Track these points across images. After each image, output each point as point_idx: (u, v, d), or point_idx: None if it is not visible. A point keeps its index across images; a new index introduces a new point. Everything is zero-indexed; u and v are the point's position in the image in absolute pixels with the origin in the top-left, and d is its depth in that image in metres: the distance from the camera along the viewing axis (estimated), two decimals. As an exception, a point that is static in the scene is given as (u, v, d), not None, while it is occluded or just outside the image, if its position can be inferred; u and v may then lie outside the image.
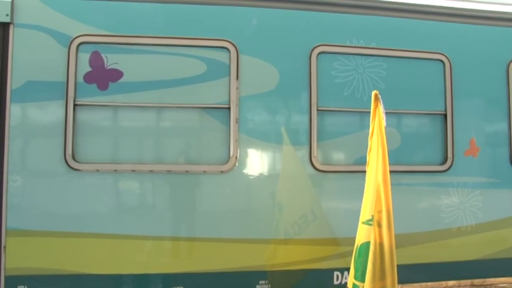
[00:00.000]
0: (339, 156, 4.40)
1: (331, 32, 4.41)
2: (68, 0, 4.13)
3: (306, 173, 4.27)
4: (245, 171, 4.26)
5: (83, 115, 4.11)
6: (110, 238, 4.10)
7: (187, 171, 4.18)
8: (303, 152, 4.28)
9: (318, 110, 4.31)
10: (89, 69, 4.14)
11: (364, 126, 4.33)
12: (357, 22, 4.47)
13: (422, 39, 4.57)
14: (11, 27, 4.07)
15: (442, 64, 4.58)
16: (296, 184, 4.29)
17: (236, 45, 4.25)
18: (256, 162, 4.27)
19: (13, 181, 4.01)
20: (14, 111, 4.04)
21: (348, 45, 4.40)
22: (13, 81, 4.05)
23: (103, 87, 4.15)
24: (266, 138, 4.27)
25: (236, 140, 4.22)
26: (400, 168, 4.39)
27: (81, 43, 4.12)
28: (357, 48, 4.42)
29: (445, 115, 4.54)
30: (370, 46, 4.44)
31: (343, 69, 4.41)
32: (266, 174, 4.28)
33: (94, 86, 4.14)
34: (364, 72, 4.44)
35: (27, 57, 4.07)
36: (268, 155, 4.28)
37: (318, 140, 4.28)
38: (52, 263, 4.02)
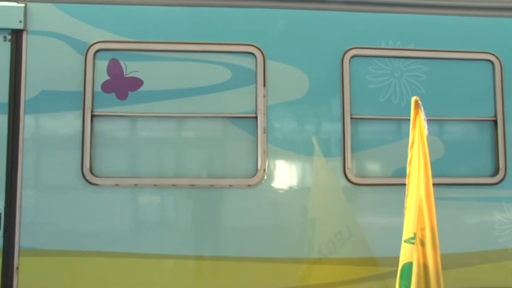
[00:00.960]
0: (375, 168, 4.13)
1: (365, 33, 4.16)
2: (84, 5, 3.98)
3: (339, 186, 4.01)
4: (274, 184, 4.01)
5: (101, 126, 3.93)
6: (130, 257, 3.89)
7: (212, 185, 3.95)
8: (336, 164, 4.02)
9: (351, 118, 4.05)
10: (107, 77, 3.96)
11: (403, 135, 4.05)
12: (393, 22, 4.21)
13: (468, 38, 4.26)
14: (25, 34, 3.92)
15: (491, 64, 4.26)
16: (329, 198, 4.03)
17: (263, 50, 4.02)
18: (286, 175, 4.02)
19: (27, 197, 3.84)
20: (28, 122, 3.88)
21: (383, 47, 4.14)
22: (27, 91, 3.90)
23: (122, 96, 3.96)
24: (296, 149, 4.03)
25: (264, 152, 3.98)
26: (444, 181, 4.07)
27: (98, 50, 3.95)
28: (394, 51, 4.15)
29: (495, 121, 4.22)
30: (408, 48, 4.17)
31: (379, 74, 4.14)
32: (296, 187, 4.03)
33: (112, 95, 3.96)
34: (401, 76, 4.16)
35: (41, 66, 3.92)
36: (299, 167, 4.04)
37: (352, 150, 4.02)
38: (69, 284, 3.84)
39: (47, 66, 3.92)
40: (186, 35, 4.04)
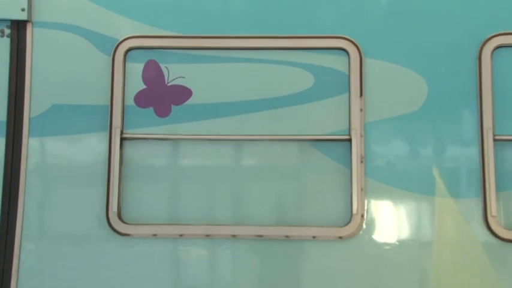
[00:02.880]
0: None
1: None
2: (111, -12, 3.09)
3: (477, 241, 2.84)
4: (376, 236, 2.90)
5: (134, 153, 2.94)
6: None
7: (287, 236, 2.88)
8: (472, 208, 2.84)
9: (494, 139, 2.86)
10: (143, 86, 2.97)
11: None
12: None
13: None
14: (29, 27, 2.97)
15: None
16: (462, 259, 2.86)
17: (358, 45, 2.96)
18: (394, 223, 2.90)
19: (28, 253, 2.86)
20: (33, 148, 2.93)
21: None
22: (33, 105, 2.95)
23: (163, 112, 2.96)
24: (408, 186, 2.90)
25: (361, 189, 2.91)
26: None
27: (130, 49, 2.96)
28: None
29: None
30: None
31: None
32: (411, 242, 2.90)
33: (150, 110, 2.96)
34: None
35: (52, 71, 2.97)
36: (412, 212, 2.90)
37: (498, 189, 2.83)
38: None
39: (60, 71, 2.97)
40: (250, 28, 3.00)
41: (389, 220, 2.93)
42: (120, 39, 2.98)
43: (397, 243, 2.91)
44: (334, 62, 2.98)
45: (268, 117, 2.96)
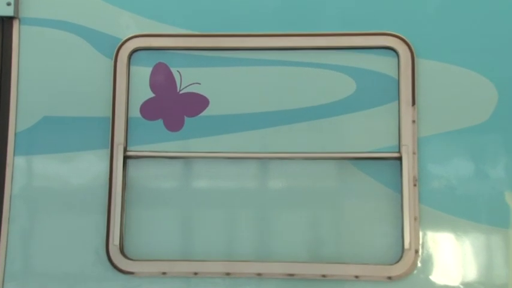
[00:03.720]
0: None
1: None
2: (112, -21, 2.67)
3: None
4: (434, 277, 2.37)
5: (140, 175, 2.48)
6: None
7: (324, 275, 2.38)
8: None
9: None
10: (150, 94, 2.52)
11: None
12: None
13: None
14: (16, 24, 2.54)
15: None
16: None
17: (410, 44, 2.48)
18: (455, 261, 2.38)
19: None
20: (19, 169, 2.50)
21: None
22: (19, 118, 2.51)
23: (174, 125, 2.50)
24: (473, 215, 2.37)
25: (415, 219, 2.41)
26: None
27: (136, 50, 2.52)
28: None
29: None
30: None
31: None
32: (478, 285, 2.38)
33: (159, 123, 2.51)
34: None
35: (43, 76, 2.54)
36: (481, 248, 2.37)
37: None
38: None
39: (52, 76, 2.53)
40: (279, 24, 2.53)
41: (450, 257, 2.40)
42: (124, 39, 2.53)
43: (460, 286, 2.44)
44: (381, 63, 2.48)
45: (300, 131, 2.48)
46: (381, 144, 2.49)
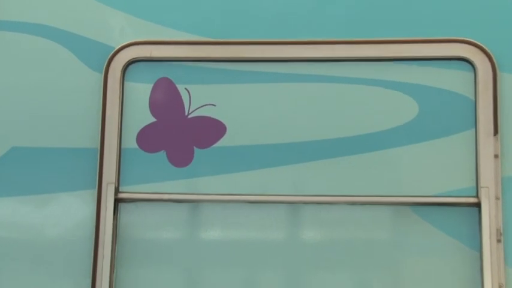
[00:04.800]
0: None
1: None
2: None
3: None
4: None
5: (135, 223, 1.94)
6: None
7: None
8: None
9: None
10: (150, 119, 1.98)
11: None
12: None
13: None
14: None
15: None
16: None
17: (491, 54, 1.94)
18: None
19: None
20: None
21: None
22: None
23: (181, 159, 1.95)
24: None
25: (499, 286, 1.85)
26: None
27: (131, 61, 1.99)
28: None
29: None
30: None
31: None
32: None
33: (161, 156, 1.97)
34: None
35: (12, 95, 2.00)
36: None
37: None
38: None
39: (24, 95, 2.00)
40: (319, 29, 1.98)
41: None
42: (117, 47, 2.00)
43: None
44: (451, 80, 1.93)
45: (344, 167, 1.93)
46: (451, 186, 1.92)
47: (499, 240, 1.87)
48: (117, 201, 1.95)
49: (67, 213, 1.99)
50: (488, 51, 1.93)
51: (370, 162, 1.96)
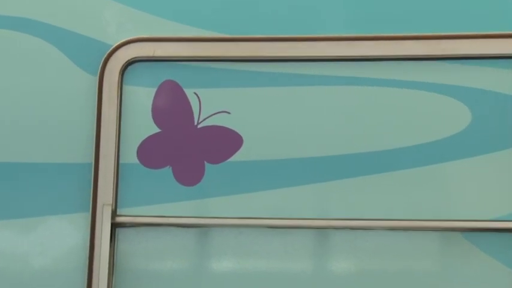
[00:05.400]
0: None
1: None
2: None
3: None
4: None
5: (135, 250, 1.65)
6: None
7: None
8: None
9: None
10: (154, 129, 1.69)
11: None
12: None
13: None
14: None
15: None
16: None
17: None
18: None
19: None
20: None
21: None
22: None
23: (190, 176, 1.66)
24: None
25: None
26: None
27: (132, 61, 1.71)
28: None
29: None
30: None
31: None
32: None
33: (166, 173, 1.68)
34: None
35: None
36: None
37: None
38: None
39: (4, 102, 1.73)
40: (353, 22, 1.69)
41: None
42: (114, 45, 1.72)
43: None
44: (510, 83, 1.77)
45: (382, 186, 1.63)
46: (509, 209, 1.73)
47: None
48: (115, 225, 1.67)
49: (56, 240, 1.70)
50: None
51: (413, 180, 1.66)
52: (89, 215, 1.68)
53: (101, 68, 1.71)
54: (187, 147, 1.72)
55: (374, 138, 1.71)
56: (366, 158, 1.71)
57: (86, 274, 1.66)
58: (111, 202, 1.68)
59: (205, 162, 1.72)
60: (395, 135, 1.71)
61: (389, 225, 1.67)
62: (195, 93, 1.74)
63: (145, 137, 1.72)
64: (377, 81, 1.74)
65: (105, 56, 1.72)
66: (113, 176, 1.69)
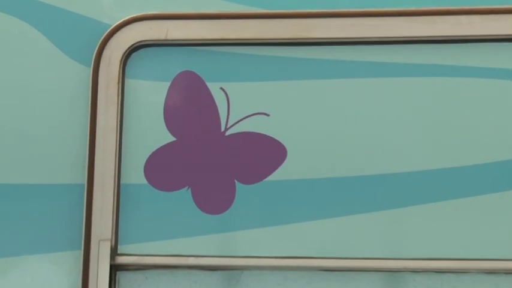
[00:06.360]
0: None
1: None
2: None
3: None
4: None
5: None
6: None
7: None
8: None
9: None
10: (167, 137, 1.30)
11: None
12: None
13: None
14: None
15: None
16: None
17: None
18: None
19: None
20: None
21: None
22: None
23: (215, 202, 1.29)
24: None
25: None
26: None
27: (136, 47, 1.31)
28: None
29: None
30: None
31: None
32: None
33: (183, 196, 1.30)
34: None
35: None
36: None
37: None
38: None
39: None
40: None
41: None
42: (113, 25, 1.32)
43: None
44: None
45: (475, 213, 1.22)
46: None
47: None
48: (115, 268, 1.28)
49: (41, 285, 1.41)
50: None
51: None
52: (80, 253, 1.29)
53: (96, 56, 1.31)
54: (211, 161, 1.36)
55: (463, 149, 1.28)
56: (451, 176, 1.29)
57: None
58: (110, 237, 1.30)
59: (235, 181, 1.35)
60: (494, 145, 1.30)
61: (486, 268, 1.29)
62: (221, 88, 1.37)
63: (156, 148, 1.33)
64: (463, 70, 1.36)
65: (101, 40, 1.31)
66: (112, 201, 1.31)
